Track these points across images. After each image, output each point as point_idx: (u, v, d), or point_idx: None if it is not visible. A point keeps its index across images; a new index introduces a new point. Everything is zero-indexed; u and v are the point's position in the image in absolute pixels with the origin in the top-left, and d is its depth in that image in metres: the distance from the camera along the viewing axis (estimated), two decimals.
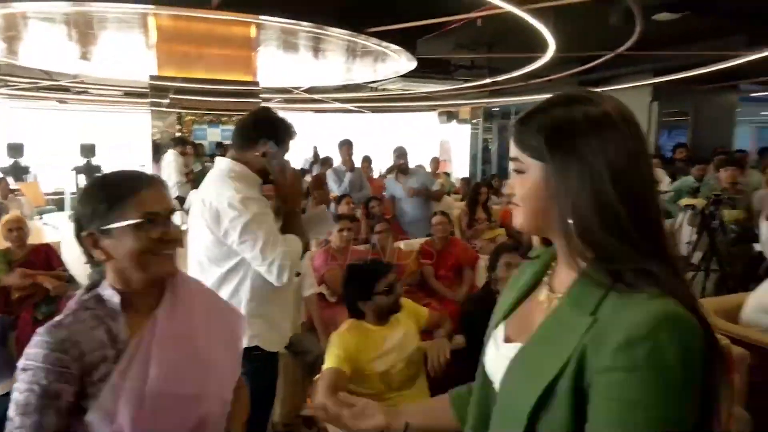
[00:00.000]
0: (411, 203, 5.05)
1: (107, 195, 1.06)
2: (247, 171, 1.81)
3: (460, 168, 13.20)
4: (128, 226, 1.04)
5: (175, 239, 1.10)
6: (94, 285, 1.12)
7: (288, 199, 1.85)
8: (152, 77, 6.20)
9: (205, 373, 1.12)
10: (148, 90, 6.72)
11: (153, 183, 1.10)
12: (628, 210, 0.71)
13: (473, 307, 2.58)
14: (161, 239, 1.06)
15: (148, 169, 9.90)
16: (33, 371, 0.96)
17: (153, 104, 6.52)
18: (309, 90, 9.20)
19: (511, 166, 0.82)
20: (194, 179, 7.53)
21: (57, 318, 1.04)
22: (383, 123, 13.20)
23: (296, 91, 9.40)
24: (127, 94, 10.61)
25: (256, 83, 6.49)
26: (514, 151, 0.80)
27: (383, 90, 8.38)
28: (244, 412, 1.32)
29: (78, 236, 1.08)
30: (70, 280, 3.61)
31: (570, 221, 0.73)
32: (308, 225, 1.94)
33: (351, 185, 5.19)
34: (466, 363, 2.26)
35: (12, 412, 0.96)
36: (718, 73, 6.75)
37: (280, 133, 1.84)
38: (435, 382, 2.17)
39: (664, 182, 5.83)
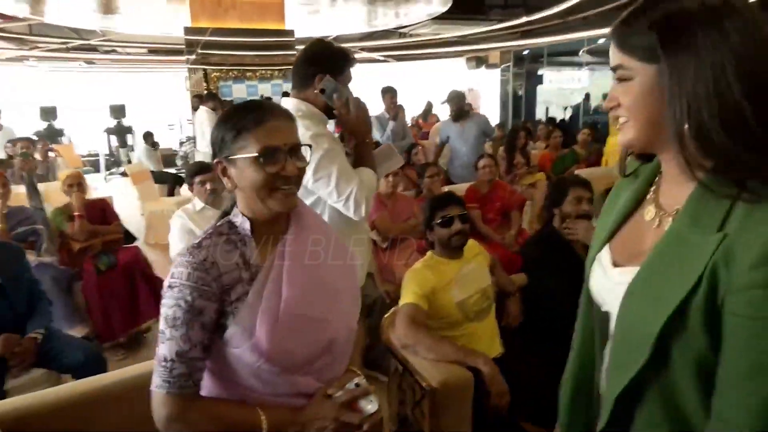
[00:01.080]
0: (467, 147, 4.96)
1: (235, 124, 1.07)
2: (313, 109, 1.78)
3: (489, 115, 12.93)
4: (248, 158, 1.05)
5: (294, 175, 1.08)
6: (226, 212, 1.16)
7: (356, 130, 1.81)
8: (187, 29, 6.12)
9: (332, 299, 1.16)
10: (173, 47, 6.66)
11: (277, 115, 1.08)
12: (755, 109, 0.64)
13: (536, 248, 2.55)
14: (278, 174, 1.06)
15: (184, 128, 9.98)
16: (178, 288, 1.02)
17: (188, 61, 6.46)
18: (336, 39, 9.00)
19: (614, 76, 0.76)
20: None
21: (197, 240, 1.09)
22: (409, 72, 12.91)
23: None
24: (152, 51, 10.54)
25: (290, 32, 6.36)
26: (616, 57, 0.75)
27: (414, 35, 8.14)
28: (360, 343, 1.37)
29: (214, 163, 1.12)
30: (126, 233, 3.71)
31: (686, 126, 0.68)
32: (377, 161, 1.91)
33: (394, 133, 5.13)
34: (529, 301, 2.29)
35: (162, 325, 1.03)
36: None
37: (335, 63, 1.78)
38: (501, 315, 2.21)
39: None
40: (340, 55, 1.81)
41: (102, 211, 3.56)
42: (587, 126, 6.17)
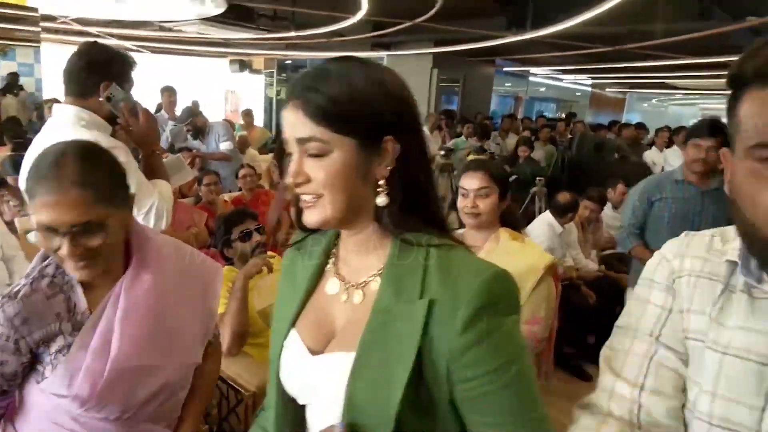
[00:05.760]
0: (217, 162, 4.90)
1: (27, 184, 0.94)
2: (96, 118, 1.68)
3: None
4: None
5: (80, 254, 0.93)
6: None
7: (145, 140, 1.76)
8: None
9: (168, 343, 1.08)
10: None
11: (57, 189, 0.90)
12: (428, 187, 0.74)
13: None
14: (59, 253, 0.93)
15: None
16: None
17: None
18: (78, 21, 7.90)
19: (303, 149, 0.68)
20: None
21: (15, 287, 0.99)
22: (165, 66, 12.05)
23: (61, 19, 7.96)
24: None
25: (33, 9, 5.37)
26: (307, 128, 0.67)
27: (176, 30, 7.68)
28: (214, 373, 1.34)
29: None
30: None
31: (383, 199, 0.70)
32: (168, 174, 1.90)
33: (173, 135, 4.79)
34: None
35: None
36: (482, 50, 7.99)
37: (121, 70, 1.71)
38: None
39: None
40: (124, 60, 1.73)
41: None
42: None
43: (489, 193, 1.65)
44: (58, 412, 1.01)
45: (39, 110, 7.24)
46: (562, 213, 3.53)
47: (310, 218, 0.71)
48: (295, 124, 0.67)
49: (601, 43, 7.20)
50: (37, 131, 1.72)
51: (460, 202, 1.69)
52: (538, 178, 4.91)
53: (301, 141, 0.67)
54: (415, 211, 0.71)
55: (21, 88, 8.79)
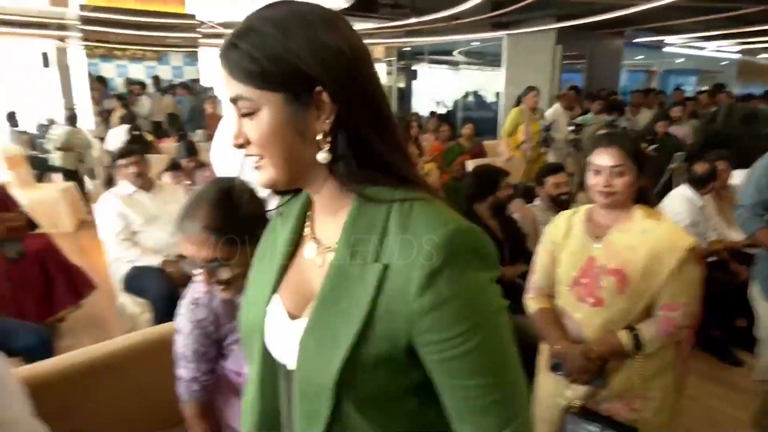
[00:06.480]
0: None
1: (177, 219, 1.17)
2: None
3: None
4: None
5: (215, 282, 1.11)
6: None
7: None
8: (83, 6, 5.76)
9: None
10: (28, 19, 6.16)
11: (189, 230, 1.09)
12: (384, 138, 0.67)
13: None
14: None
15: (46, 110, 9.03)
16: (184, 336, 1.27)
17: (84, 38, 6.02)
18: (223, 24, 8.80)
19: (237, 109, 0.66)
20: (108, 119, 7.14)
21: (196, 293, 1.27)
22: None
23: (207, 24, 8.92)
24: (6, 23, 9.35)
25: (190, 16, 6.18)
26: (236, 88, 0.64)
27: None
28: None
29: None
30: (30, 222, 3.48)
31: (323, 155, 0.65)
32: None
33: None
34: None
35: (179, 358, 1.29)
36: (610, 21, 7.56)
37: None
38: None
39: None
40: None
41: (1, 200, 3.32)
42: (469, 121, 6.86)
43: (624, 171, 1.52)
44: (240, 385, 1.28)
45: (193, 106, 8.20)
46: (702, 184, 3.32)
47: (259, 180, 0.69)
48: (226, 85, 0.65)
49: (749, 2, 6.48)
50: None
51: (592, 180, 1.57)
52: (677, 154, 4.57)
53: (233, 101, 0.65)
54: (373, 165, 0.66)
55: (175, 87, 10.07)
